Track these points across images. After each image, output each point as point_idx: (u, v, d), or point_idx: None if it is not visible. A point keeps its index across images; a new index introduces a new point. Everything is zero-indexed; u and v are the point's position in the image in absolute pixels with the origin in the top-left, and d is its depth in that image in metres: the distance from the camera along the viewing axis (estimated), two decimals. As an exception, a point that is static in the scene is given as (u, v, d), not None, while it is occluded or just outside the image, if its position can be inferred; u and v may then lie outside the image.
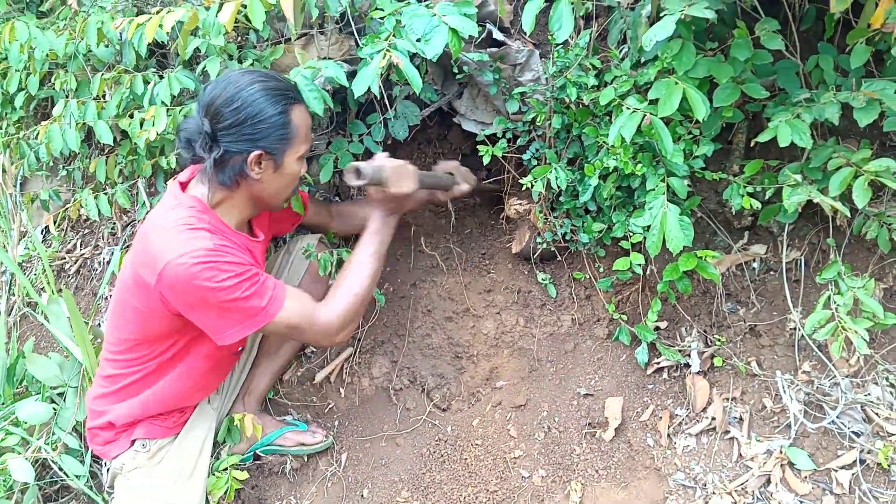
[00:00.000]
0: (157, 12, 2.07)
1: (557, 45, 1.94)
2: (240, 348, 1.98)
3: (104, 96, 2.58)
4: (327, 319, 1.70)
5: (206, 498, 1.91)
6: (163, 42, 2.49)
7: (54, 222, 2.99)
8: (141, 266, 1.59)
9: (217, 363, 1.85)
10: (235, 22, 1.93)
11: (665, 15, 1.55)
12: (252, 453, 2.14)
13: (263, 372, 2.18)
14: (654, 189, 1.76)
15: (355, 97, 1.81)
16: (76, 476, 2.09)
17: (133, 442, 1.81)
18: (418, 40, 1.82)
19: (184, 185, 1.74)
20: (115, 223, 2.93)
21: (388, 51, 1.77)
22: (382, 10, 1.92)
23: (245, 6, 1.87)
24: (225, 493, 1.99)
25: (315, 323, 1.68)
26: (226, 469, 1.97)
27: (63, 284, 3.04)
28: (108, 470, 1.89)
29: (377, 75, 1.77)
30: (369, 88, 1.80)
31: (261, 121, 1.59)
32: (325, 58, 2.21)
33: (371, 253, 1.82)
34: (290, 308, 1.65)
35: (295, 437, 2.15)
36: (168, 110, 2.23)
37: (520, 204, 2.32)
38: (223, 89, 1.60)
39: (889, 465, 1.65)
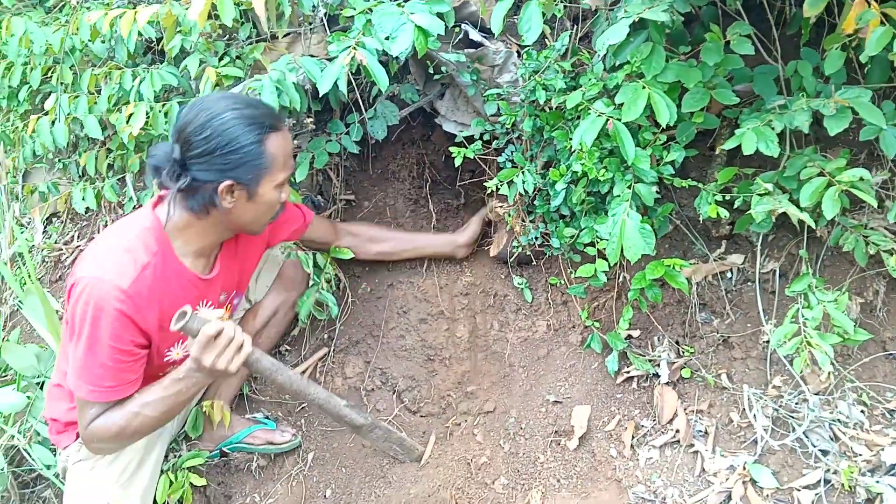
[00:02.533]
0: (141, 8, 2.09)
1: (525, 46, 1.92)
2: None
3: (99, 91, 2.62)
4: (86, 439, 1.63)
5: (155, 499, 1.90)
6: (159, 38, 2.52)
7: (44, 215, 3.04)
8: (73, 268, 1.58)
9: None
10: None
11: (623, 18, 1.52)
12: (219, 450, 2.14)
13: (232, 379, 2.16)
14: (619, 195, 1.73)
15: (320, 95, 1.79)
16: (46, 466, 2.12)
17: (78, 435, 1.77)
18: (387, 38, 1.81)
19: (161, 199, 1.67)
20: (107, 216, 2.97)
21: (354, 48, 1.76)
22: (354, 8, 1.91)
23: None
24: (181, 495, 1.99)
25: (82, 434, 1.62)
26: (184, 468, 1.96)
27: (59, 275, 3.09)
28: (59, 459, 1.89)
29: (342, 73, 1.76)
30: (337, 87, 1.80)
31: (232, 151, 1.50)
32: (309, 56, 2.21)
33: (158, 399, 1.60)
34: (88, 409, 1.58)
35: (264, 436, 2.14)
36: (150, 107, 2.25)
37: (501, 206, 2.29)
38: (195, 115, 1.51)
39: (853, 487, 1.59)
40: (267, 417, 2.22)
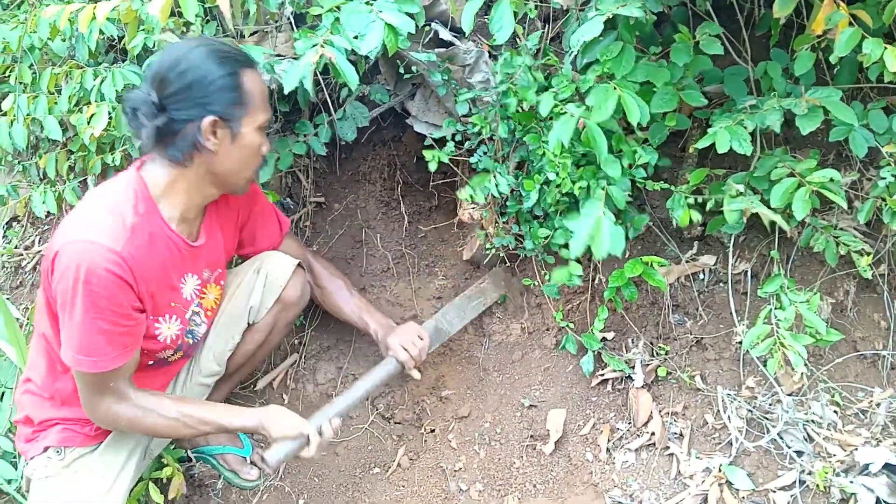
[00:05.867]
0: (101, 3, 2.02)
1: (496, 46, 1.89)
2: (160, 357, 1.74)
3: (59, 91, 2.54)
4: (105, 415, 1.58)
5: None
6: (121, 36, 2.45)
7: (3, 220, 2.95)
8: (50, 242, 1.49)
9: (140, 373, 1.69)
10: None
11: (596, 15, 1.50)
12: (188, 455, 2.06)
13: (225, 384, 2.10)
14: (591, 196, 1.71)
15: (286, 93, 1.75)
16: (7, 480, 2.04)
17: (46, 448, 1.67)
18: (356, 37, 1.77)
19: (143, 163, 1.61)
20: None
21: (322, 46, 1.72)
22: (322, 6, 1.87)
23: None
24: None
25: (95, 409, 1.57)
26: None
27: (20, 281, 3.00)
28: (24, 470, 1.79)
29: (309, 71, 1.72)
30: (303, 86, 1.75)
31: (210, 83, 1.47)
32: (277, 55, 2.16)
33: (200, 420, 1.64)
34: (107, 382, 1.51)
35: (233, 463, 2.06)
36: (113, 107, 2.19)
37: (473, 208, 2.26)
38: (167, 56, 1.50)
39: (828, 487, 1.59)
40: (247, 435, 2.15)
